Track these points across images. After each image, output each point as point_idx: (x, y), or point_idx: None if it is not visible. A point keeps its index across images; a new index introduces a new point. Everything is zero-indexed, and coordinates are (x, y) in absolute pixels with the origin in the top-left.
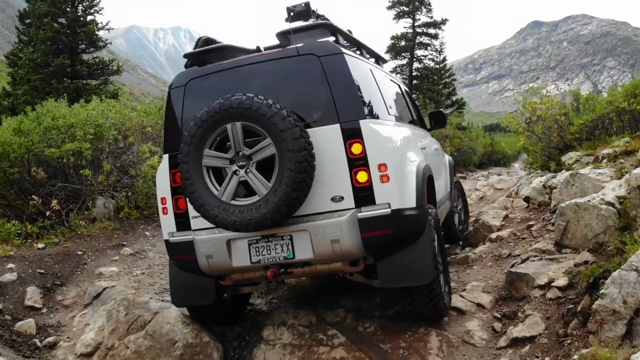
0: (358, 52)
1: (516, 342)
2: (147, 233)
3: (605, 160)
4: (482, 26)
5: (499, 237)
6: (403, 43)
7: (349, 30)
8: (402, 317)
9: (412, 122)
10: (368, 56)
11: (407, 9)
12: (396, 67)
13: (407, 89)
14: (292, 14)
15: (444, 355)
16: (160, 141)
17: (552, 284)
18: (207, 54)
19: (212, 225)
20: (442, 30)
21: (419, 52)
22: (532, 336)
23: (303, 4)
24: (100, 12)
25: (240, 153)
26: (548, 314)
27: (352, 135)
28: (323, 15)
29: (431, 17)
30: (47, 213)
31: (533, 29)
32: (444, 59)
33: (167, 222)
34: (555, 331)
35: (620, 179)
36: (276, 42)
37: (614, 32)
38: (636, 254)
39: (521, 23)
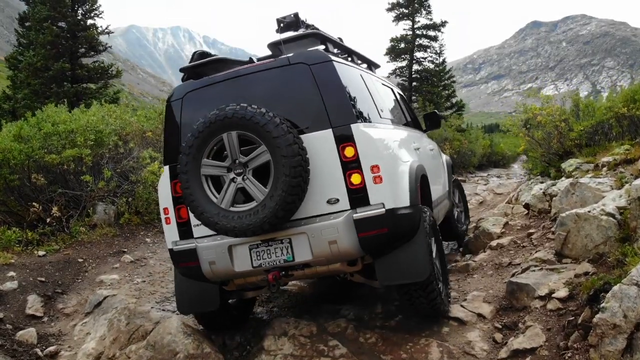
0: (349, 59)
1: (517, 354)
2: (147, 240)
3: (605, 169)
4: (481, 26)
5: (499, 245)
6: (402, 45)
7: (339, 38)
8: (403, 327)
9: (406, 124)
10: (359, 62)
11: (407, 11)
12: (396, 69)
13: (400, 92)
14: (282, 25)
15: None
16: (160, 146)
17: (553, 295)
18: (202, 67)
19: (213, 233)
20: (442, 32)
21: (418, 54)
22: (532, 348)
23: (292, 15)
24: (100, 16)
25: (237, 161)
26: (549, 325)
27: (344, 139)
28: (312, 25)
29: (431, 20)
30: (48, 220)
31: (532, 29)
32: (444, 61)
33: (170, 232)
34: (556, 343)
35: (620, 188)
36: (273, 48)
37: (612, 33)
38: (636, 268)
39: (520, 23)
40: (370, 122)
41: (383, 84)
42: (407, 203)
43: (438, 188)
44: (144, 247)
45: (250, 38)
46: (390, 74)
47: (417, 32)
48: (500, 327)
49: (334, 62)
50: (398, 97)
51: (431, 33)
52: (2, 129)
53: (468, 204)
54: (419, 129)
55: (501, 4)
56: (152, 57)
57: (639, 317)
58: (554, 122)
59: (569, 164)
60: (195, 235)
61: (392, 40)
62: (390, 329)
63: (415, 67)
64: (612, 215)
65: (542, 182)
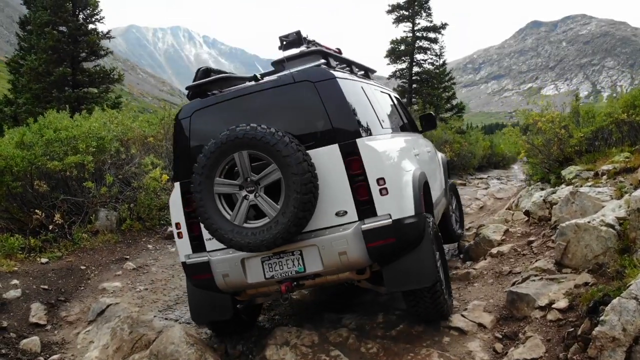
0: (348, 69)
1: None
2: (149, 246)
3: (605, 177)
4: (481, 26)
5: (499, 253)
6: (403, 47)
7: (337, 49)
8: (405, 337)
9: (403, 127)
10: (357, 70)
11: (407, 13)
12: (396, 71)
13: (396, 95)
14: (284, 42)
15: None
16: (162, 151)
17: (553, 306)
18: (207, 84)
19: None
20: (442, 34)
21: (418, 56)
22: (532, 359)
23: (294, 33)
24: (101, 20)
25: (249, 179)
26: (549, 336)
27: (350, 153)
28: (314, 41)
29: (431, 22)
30: (50, 227)
31: (532, 29)
32: (444, 63)
33: (183, 245)
34: (555, 354)
35: (620, 198)
36: (277, 65)
37: (613, 32)
38: (635, 282)
39: (520, 23)
40: (373, 134)
41: (381, 91)
42: (412, 212)
43: (436, 189)
44: (146, 254)
45: (249, 38)
46: (390, 76)
47: (417, 34)
48: (501, 337)
49: (338, 79)
50: (395, 101)
51: (431, 35)
52: (5, 135)
53: (469, 208)
54: (415, 130)
55: (501, 4)
56: (152, 57)
57: (637, 330)
58: (554, 128)
59: (568, 171)
60: (207, 249)
61: (392, 42)
62: (391, 338)
63: (416, 69)
64: (612, 226)
65: (542, 189)
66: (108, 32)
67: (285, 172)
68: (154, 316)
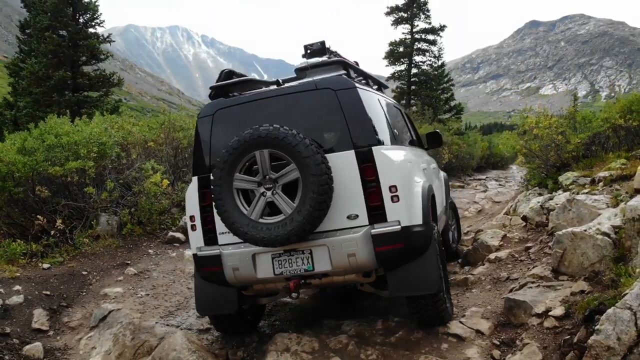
0: (364, 82)
1: None
2: (150, 251)
3: (601, 184)
4: (480, 26)
5: (497, 258)
6: (401, 49)
7: (356, 62)
8: (404, 344)
9: (411, 142)
10: (373, 84)
11: (406, 15)
12: (394, 72)
13: (407, 112)
14: (309, 51)
15: None
16: (162, 155)
17: (550, 313)
18: (230, 86)
19: (238, 241)
20: (441, 36)
21: (417, 58)
22: None
23: (319, 43)
24: (101, 24)
25: (267, 177)
26: (545, 343)
27: (365, 160)
28: (336, 52)
29: (429, 23)
30: (52, 232)
31: (531, 29)
32: (442, 64)
33: (196, 238)
34: None
35: (615, 206)
36: (300, 72)
37: (611, 32)
38: (630, 292)
39: (519, 23)
40: (387, 144)
41: (394, 106)
42: (420, 221)
43: (439, 204)
44: (147, 259)
45: (248, 37)
46: (388, 77)
47: (416, 36)
48: (498, 343)
49: (358, 89)
50: (405, 117)
51: (430, 37)
52: (6, 141)
53: (467, 211)
54: (421, 146)
55: (499, 4)
56: (151, 57)
57: (632, 340)
58: (551, 134)
59: (565, 177)
60: (220, 243)
61: (390, 44)
62: (390, 345)
63: (414, 70)
64: (608, 235)
65: (539, 194)
66: (108, 36)
67: (303, 172)
68: (156, 322)
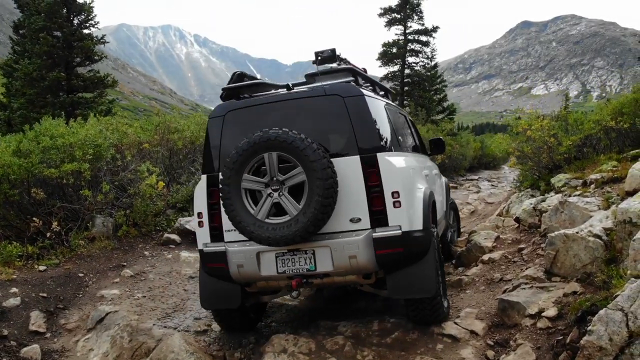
0: (371, 88)
1: None
2: (146, 253)
3: (592, 186)
4: (472, 26)
5: (490, 260)
6: (395, 50)
7: (364, 69)
8: (399, 345)
9: (415, 148)
10: (379, 90)
11: (399, 17)
12: (388, 73)
13: (410, 118)
14: (319, 58)
15: None
16: (157, 157)
17: (543, 314)
18: (241, 88)
19: (243, 239)
20: (434, 37)
21: (410, 59)
22: None
23: (330, 51)
24: (95, 25)
25: (275, 178)
26: (538, 343)
27: (369, 165)
28: (345, 59)
29: (422, 25)
30: (48, 234)
31: (522, 29)
32: (435, 65)
33: (203, 234)
34: None
35: (607, 209)
36: (310, 78)
37: (602, 33)
38: (622, 294)
39: (511, 23)
40: (392, 150)
41: (399, 112)
42: (420, 227)
43: (439, 210)
44: (143, 261)
45: (241, 37)
46: (382, 78)
47: (409, 37)
48: (492, 344)
49: (365, 97)
50: (409, 123)
51: (423, 38)
52: (0, 142)
53: (460, 212)
54: (424, 152)
55: (492, 4)
56: (143, 56)
57: (623, 340)
58: (543, 137)
59: (558, 179)
60: (226, 240)
61: (384, 45)
62: (386, 346)
63: (407, 71)
64: (599, 237)
65: (532, 196)
66: (103, 37)
67: (310, 175)
68: (153, 324)
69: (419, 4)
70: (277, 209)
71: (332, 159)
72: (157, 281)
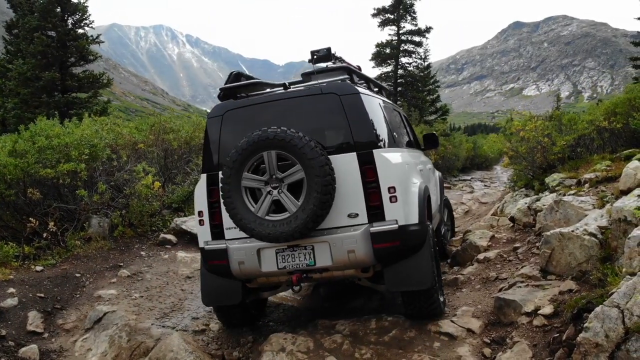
0: (366, 85)
1: None
2: (142, 253)
3: (587, 185)
4: (464, 27)
5: (486, 259)
6: (388, 50)
7: (358, 67)
8: (397, 343)
9: (409, 143)
10: (374, 87)
11: (392, 17)
12: (381, 74)
13: (404, 114)
14: (315, 57)
15: None
16: (152, 157)
17: (539, 312)
18: (239, 88)
19: (244, 236)
20: (427, 38)
21: (403, 60)
22: None
23: (325, 50)
24: (90, 25)
25: (274, 176)
26: (535, 341)
27: (366, 162)
28: (341, 58)
29: (416, 25)
30: (44, 234)
31: (514, 30)
32: (428, 66)
33: (203, 232)
34: (541, 359)
35: (601, 207)
36: (306, 77)
37: (593, 33)
38: (617, 291)
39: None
40: (387, 147)
41: (394, 109)
42: (416, 221)
43: (433, 204)
44: (140, 261)
45: (233, 37)
46: (375, 79)
47: (403, 37)
48: (489, 342)
49: (361, 95)
50: (404, 119)
51: (416, 39)
52: None
53: (455, 212)
54: (418, 147)
55: (483, 5)
56: (134, 56)
57: (619, 337)
58: (537, 137)
59: (552, 179)
60: (226, 237)
61: (377, 45)
62: (384, 344)
63: (400, 72)
64: (594, 235)
65: (526, 195)
66: (97, 37)
67: (308, 173)
68: (152, 324)
69: (412, 5)
70: (277, 206)
71: (329, 156)
72: (154, 281)
